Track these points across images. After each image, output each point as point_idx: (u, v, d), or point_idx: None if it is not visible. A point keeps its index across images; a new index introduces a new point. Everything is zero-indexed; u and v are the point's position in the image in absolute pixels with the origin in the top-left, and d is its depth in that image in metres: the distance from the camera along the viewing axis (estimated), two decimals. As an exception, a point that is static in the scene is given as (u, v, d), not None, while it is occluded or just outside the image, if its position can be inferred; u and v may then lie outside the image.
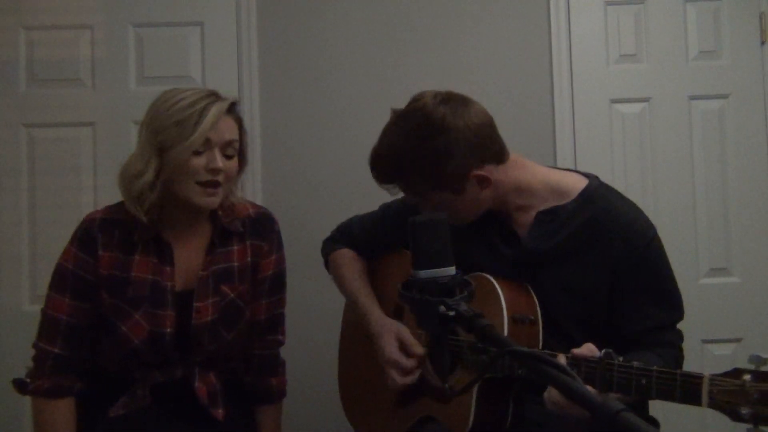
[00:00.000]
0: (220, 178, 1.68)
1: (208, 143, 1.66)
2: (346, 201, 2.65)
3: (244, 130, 1.77)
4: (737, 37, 2.73)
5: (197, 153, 1.65)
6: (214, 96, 1.69)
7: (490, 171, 1.60)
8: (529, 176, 1.66)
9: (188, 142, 1.63)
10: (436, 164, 1.57)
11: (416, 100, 1.62)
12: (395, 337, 1.74)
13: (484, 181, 1.60)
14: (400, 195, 1.73)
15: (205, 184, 1.67)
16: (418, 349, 1.71)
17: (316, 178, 2.75)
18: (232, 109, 1.72)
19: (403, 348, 1.73)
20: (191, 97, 1.66)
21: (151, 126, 1.68)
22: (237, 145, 1.72)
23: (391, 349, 1.73)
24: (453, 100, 1.60)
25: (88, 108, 2.73)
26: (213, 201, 1.70)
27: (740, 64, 2.73)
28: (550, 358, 0.98)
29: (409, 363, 1.71)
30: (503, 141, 1.65)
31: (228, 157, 1.70)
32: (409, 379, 1.71)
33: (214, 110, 1.65)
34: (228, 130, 1.69)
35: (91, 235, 1.72)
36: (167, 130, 1.65)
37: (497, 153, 1.62)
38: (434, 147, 1.56)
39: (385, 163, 1.64)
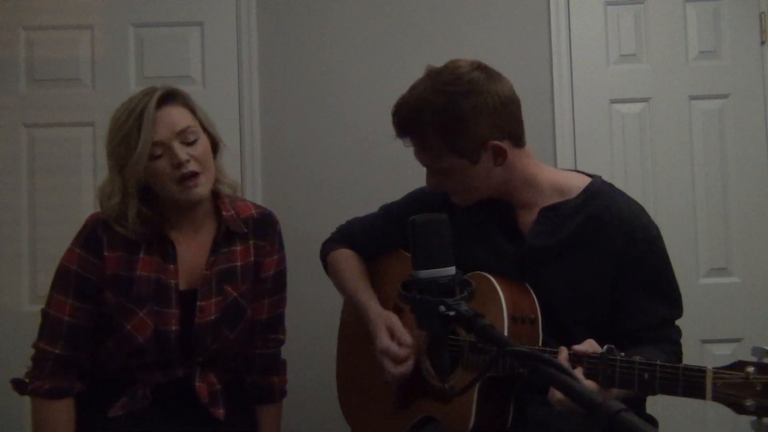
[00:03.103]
0: (192, 167, 1.66)
1: (161, 145, 1.64)
2: (346, 201, 2.65)
3: (197, 110, 1.73)
4: (737, 37, 2.73)
5: (157, 157, 1.64)
6: (146, 97, 1.65)
7: (508, 147, 1.60)
8: (538, 171, 1.67)
9: (137, 154, 1.62)
10: (459, 124, 1.56)
11: (452, 62, 1.63)
12: (386, 328, 1.73)
13: (500, 155, 1.60)
14: (410, 149, 1.69)
15: (181, 180, 1.66)
16: (407, 338, 1.70)
17: (316, 178, 2.75)
18: (170, 97, 1.68)
19: (394, 337, 1.72)
20: (128, 107, 1.65)
21: (107, 149, 1.69)
22: (195, 127, 1.69)
23: (383, 339, 1.72)
24: (488, 70, 1.61)
25: (88, 108, 2.73)
26: (199, 191, 1.68)
27: (740, 64, 2.72)
28: (549, 358, 0.98)
29: (400, 352, 1.69)
30: (524, 128, 1.65)
31: (189, 144, 1.67)
32: (403, 369, 1.69)
33: (148, 112, 1.62)
34: (175, 120, 1.66)
35: (96, 236, 1.72)
36: (117, 150, 1.65)
37: (518, 134, 1.63)
38: (462, 106, 1.55)
39: (409, 113, 1.61)
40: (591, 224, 1.61)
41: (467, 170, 1.61)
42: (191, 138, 1.67)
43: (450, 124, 1.56)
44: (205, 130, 1.72)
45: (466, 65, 1.61)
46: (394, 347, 1.70)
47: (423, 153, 1.64)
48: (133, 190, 1.66)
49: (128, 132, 1.63)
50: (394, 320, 1.74)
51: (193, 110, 1.71)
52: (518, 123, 1.63)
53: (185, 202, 1.70)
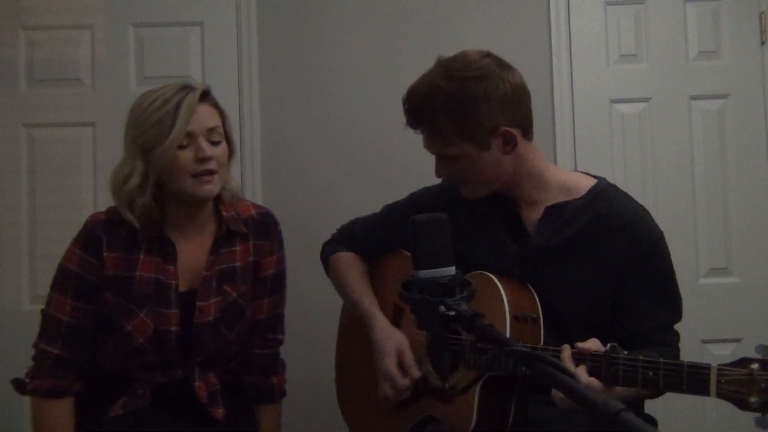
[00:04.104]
0: (213, 165, 1.68)
1: (190, 136, 1.66)
2: (346, 201, 2.65)
3: (225, 115, 1.77)
4: (737, 37, 2.72)
5: (182, 147, 1.66)
6: (186, 89, 1.69)
7: (517, 136, 1.61)
8: (545, 168, 1.68)
9: (169, 140, 1.64)
10: (470, 108, 1.56)
11: (462, 52, 1.64)
12: (396, 352, 1.74)
13: (510, 142, 1.60)
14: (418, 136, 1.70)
15: (199, 175, 1.67)
16: (415, 372, 1.72)
17: (317, 178, 2.75)
18: (207, 96, 1.72)
19: (401, 366, 1.73)
20: (164, 95, 1.67)
21: (131, 131, 1.69)
22: (221, 130, 1.72)
23: (390, 364, 1.73)
24: (499, 59, 1.63)
25: (88, 108, 2.73)
26: (211, 189, 1.69)
27: (740, 64, 2.72)
28: (549, 357, 0.98)
29: (403, 382, 1.71)
30: (533, 121, 1.66)
31: (215, 144, 1.70)
32: (400, 396, 1.73)
33: (187, 102, 1.66)
34: (207, 117, 1.70)
35: (95, 236, 1.72)
36: (147, 132, 1.66)
37: (527, 124, 1.64)
38: (473, 91, 1.56)
39: (421, 99, 1.61)
40: (595, 225, 1.61)
41: (477, 157, 1.61)
42: (217, 138, 1.71)
43: (461, 108, 1.56)
44: (227, 136, 1.75)
45: (476, 53, 1.62)
46: (398, 376, 1.72)
47: (434, 140, 1.63)
48: (154, 176, 1.68)
49: (162, 117, 1.65)
50: (405, 347, 1.74)
51: (222, 114, 1.75)
52: (528, 113, 1.64)
53: (194, 198, 1.70)
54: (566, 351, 1.42)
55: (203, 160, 1.67)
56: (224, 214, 1.79)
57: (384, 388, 1.74)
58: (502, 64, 1.62)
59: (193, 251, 1.77)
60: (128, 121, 1.71)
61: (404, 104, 1.65)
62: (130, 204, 1.69)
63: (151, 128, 1.65)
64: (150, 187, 1.68)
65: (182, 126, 1.64)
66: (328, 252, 2.03)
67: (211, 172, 1.68)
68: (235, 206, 1.83)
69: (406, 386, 1.71)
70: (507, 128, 1.58)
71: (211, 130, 1.69)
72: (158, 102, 1.67)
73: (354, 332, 1.96)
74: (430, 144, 1.65)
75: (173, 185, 1.69)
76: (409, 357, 1.73)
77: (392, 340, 1.76)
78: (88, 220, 1.76)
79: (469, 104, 1.56)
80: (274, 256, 1.86)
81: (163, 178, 1.69)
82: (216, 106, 1.74)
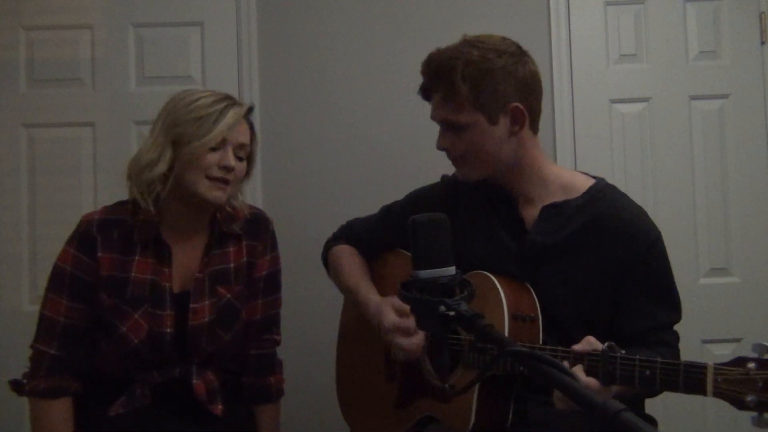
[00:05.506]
0: (230, 176, 1.71)
1: (224, 142, 1.70)
2: (346, 201, 2.65)
3: (255, 137, 1.81)
4: (737, 37, 2.73)
5: (212, 150, 1.69)
6: (231, 99, 1.74)
7: (526, 118, 1.62)
8: (545, 165, 1.69)
9: (206, 138, 1.67)
10: (488, 78, 1.59)
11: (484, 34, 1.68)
12: (391, 307, 1.72)
13: (518, 121, 1.62)
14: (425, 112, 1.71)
15: (214, 180, 1.70)
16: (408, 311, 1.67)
17: (316, 178, 2.75)
18: (248, 114, 1.77)
19: (401, 314, 1.69)
20: (211, 98, 1.72)
21: (168, 118, 1.71)
22: (248, 149, 1.77)
23: (391, 316, 1.70)
24: (519, 45, 1.67)
25: (88, 108, 2.73)
26: (220, 196, 1.72)
27: (740, 64, 2.72)
28: (549, 357, 0.98)
29: (411, 323, 1.66)
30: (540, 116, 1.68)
31: (239, 159, 1.74)
32: (416, 340, 1.67)
33: (234, 112, 1.71)
34: (243, 134, 1.75)
35: (90, 236, 1.72)
36: (186, 124, 1.68)
37: (536, 112, 1.66)
38: (494, 62, 1.60)
39: (442, 60, 1.63)
40: (593, 225, 1.61)
41: (484, 131, 1.62)
42: (242, 155, 1.76)
43: (479, 75, 1.59)
44: (250, 157, 1.80)
45: (498, 36, 1.66)
46: (403, 320, 1.68)
47: (445, 105, 1.64)
48: (178, 168, 1.70)
49: (207, 115, 1.68)
50: (398, 301, 1.69)
51: (253, 136, 1.81)
52: (538, 103, 1.66)
53: (203, 199, 1.71)
54: (579, 370, 1.40)
55: (226, 168, 1.70)
56: (217, 215, 1.80)
57: (397, 341, 1.68)
58: (522, 50, 1.66)
59: (187, 253, 1.77)
60: (166, 109, 1.73)
61: (423, 67, 1.67)
62: (149, 189, 1.70)
63: (193, 122, 1.68)
64: (172, 179, 1.70)
65: (223, 130, 1.68)
66: (328, 248, 2.03)
67: (226, 181, 1.71)
68: (231, 213, 1.83)
69: (413, 326, 1.63)
70: (518, 104, 1.61)
71: (241, 146, 1.74)
72: (207, 100, 1.70)
73: (354, 330, 1.96)
74: (440, 109, 1.66)
75: (186, 182, 1.70)
76: (405, 306, 1.61)
77: (384, 302, 1.74)
78: (82, 220, 1.76)
79: (488, 74, 1.59)
80: (267, 257, 1.86)
81: (179, 173, 1.70)
82: (252, 127, 1.80)
